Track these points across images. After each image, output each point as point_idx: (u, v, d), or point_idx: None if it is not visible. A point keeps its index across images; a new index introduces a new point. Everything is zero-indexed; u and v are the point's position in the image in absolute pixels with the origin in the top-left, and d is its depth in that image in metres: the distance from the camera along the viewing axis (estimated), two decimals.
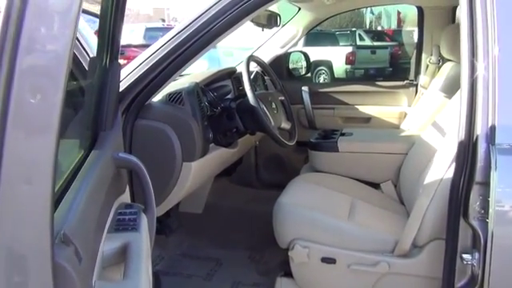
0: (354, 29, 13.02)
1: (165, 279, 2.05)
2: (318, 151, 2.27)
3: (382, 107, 2.92)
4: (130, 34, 10.10)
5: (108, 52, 1.26)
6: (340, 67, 11.21)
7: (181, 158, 1.65)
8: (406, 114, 2.82)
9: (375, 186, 2.19)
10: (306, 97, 2.93)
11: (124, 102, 1.60)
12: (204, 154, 1.72)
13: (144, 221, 1.13)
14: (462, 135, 1.39)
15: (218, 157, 1.90)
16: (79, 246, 0.66)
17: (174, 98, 1.70)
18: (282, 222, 1.75)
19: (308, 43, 11.61)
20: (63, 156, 1.04)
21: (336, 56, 11.25)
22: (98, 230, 0.96)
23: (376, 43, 12.16)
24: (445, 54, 2.45)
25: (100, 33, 1.25)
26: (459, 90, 1.82)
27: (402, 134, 2.39)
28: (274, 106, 1.95)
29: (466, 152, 1.38)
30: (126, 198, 1.26)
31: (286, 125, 2.03)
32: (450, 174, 1.44)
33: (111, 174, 1.11)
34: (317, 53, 11.40)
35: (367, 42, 12.28)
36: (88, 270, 0.73)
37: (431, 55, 2.75)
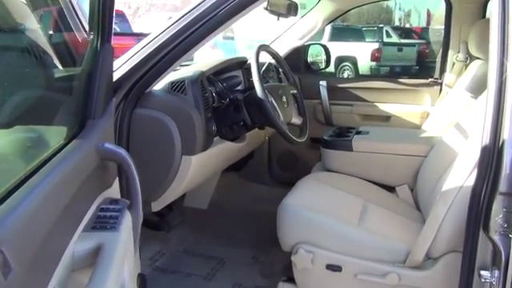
0: (381, 25, 12.74)
1: (163, 277, 1.96)
2: (331, 149, 2.15)
3: (403, 105, 2.76)
4: (153, 22, 10.08)
5: (99, 33, 1.16)
6: (365, 64, 10.99)
7: (180, 151, 1.55)
8: (428, 114, 2.66)
9: (390, 189, 2.06)
10: (323, 92, 2.80)
11: (122, 88, 1.50)
12: (206, 147, 1.62)
13: (127, 219, 1.04)
14: (486, 139, 1.26)
15: (223, 151, 1.79)
16: (16, 251, 0.56)
17: (177, 86, 1.60)
18: (285, 223, 1.64)
19: (333, 38, 11.44)
20: (34, 146, 0.95)
21: (361, 52, 11.03)
22: (68, 228, 0.86)
23: (403, 40, 11.86)
24: (473, 52, 2.29)
25: (90, 11, 1.16)
26: (486, 91, 1.69)
27: (422, 135, 2.24)
28: (284, 99, 1.83)
29: (490, 158, 1.25)
30: (113, 192, 1.16)
31: (296, 120, 1.90)
32: (471, 181, 1.31)
33: (93, 165, 1.01)
34: (342, 48, 11.21)
35: (394, 38, 11.99)
36: (32, 277, 0.64)
37: (458, 52, 2.58)
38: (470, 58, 2.50)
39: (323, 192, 1.85)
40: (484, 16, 2.54)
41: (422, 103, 2.74)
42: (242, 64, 2.11)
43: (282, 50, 2.87)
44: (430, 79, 2.75)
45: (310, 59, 3.12)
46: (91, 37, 1.17)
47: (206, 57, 1.69)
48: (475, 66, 2.31)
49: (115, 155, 1.07)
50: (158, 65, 1.51)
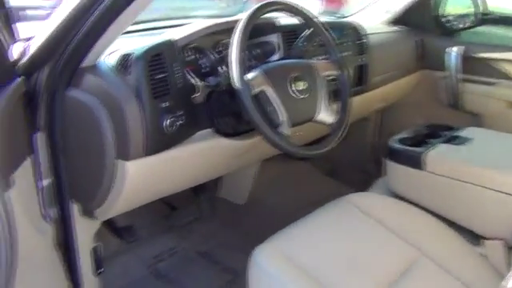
0: None
1: (153, 285, 1.62)
2: (395, 162, 1.44)
3: None
4: None
5: None
6: None
7: (113, 153, 1.12)
8: None
9: (475, 239, 1.29)
10: (453, 61, 2.00)
11: (48, 61, 1.12)
12: (155, 150, 1.15)
13: None
14: None
15: (211, 150, 1.29)
16: None
17: (123, 62, 1.15)
18: (253, 282, 1.11)
19: None
20: None
21: None
22: None
23: None
24: None
25: None
26: None
27: None
28: (301, 86, 1.21)
29: None
30: None
31: (326, 117, 1.26)
32: None
33: None
34: None
35: None
36: None
37: None
38: None
39: (352, 229, 1.23)
40: None
41: None
42: (276, 27, 1.50)
43: (401, 3, 2.12)
44: None
45: (446, 14, 2.24)
46: None
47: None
48: None
49: None
50: (93, 26, 1.07)
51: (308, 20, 1.29)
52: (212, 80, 1.23)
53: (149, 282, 1.62)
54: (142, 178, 1.16)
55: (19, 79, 1.06)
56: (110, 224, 1.46)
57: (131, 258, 1.68)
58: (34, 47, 1.12)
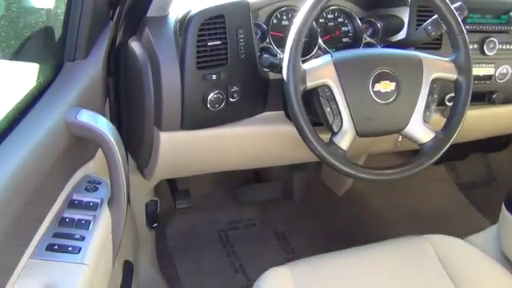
0: None
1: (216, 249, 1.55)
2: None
3: None
4: None
5: None
6: None
7: (152, 119, 1.01)
8: None
9: None
10: None
11: (119, 3, 1.04)
12: (194, 126, 1.00)
13: (103, 224, 0.70)
14: None
15: (268, 135, 1.09)
16: None
17: (182, 19, 1.00)
18: None
19: None
20: None
21: None
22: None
23: None
24: None
25: None
26: None
27: None
28: (389, 86, 0.90)
29: None
30: (92, 166, 0.83)
31: (418, 133, 0.92)
32: None
33: (60, 148, 0.69)
34: None
35: None
36: None
37: None
38: None
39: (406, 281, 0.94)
40: None
41: None
42: None
43: None
44: None
45: None
46: None
47: None
48: None
49: (89, 132, 0.70)
50: None
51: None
52: None
53: (211, 246, 1.55)
54: (176, 152, 1.04)
55: (112, 22, 1.00)
56: (170, 184, 1.40)
57: (205, 217, 1.62)
58: None
